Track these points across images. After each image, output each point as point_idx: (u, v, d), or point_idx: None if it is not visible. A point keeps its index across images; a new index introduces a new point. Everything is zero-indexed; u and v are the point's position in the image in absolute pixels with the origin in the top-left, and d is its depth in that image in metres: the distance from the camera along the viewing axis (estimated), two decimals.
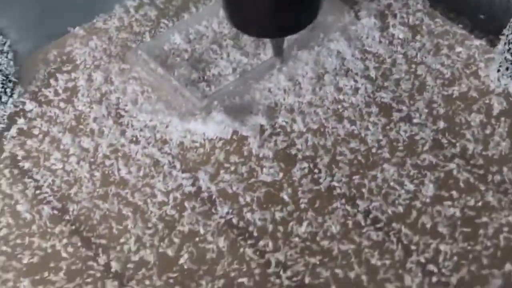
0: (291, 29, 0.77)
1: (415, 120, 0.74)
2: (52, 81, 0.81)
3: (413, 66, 0.79)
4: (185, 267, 0.65)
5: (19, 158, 0.74)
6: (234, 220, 0.68)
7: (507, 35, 0.74)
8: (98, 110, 0.78)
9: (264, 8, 0.74)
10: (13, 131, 0.77)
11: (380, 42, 0.81)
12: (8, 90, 0.78)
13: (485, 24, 0.85)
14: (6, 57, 0.78)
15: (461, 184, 0.69)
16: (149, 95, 0.79)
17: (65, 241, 0.68)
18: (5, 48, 0.78)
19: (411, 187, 0.69)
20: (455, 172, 0.70)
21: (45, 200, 0.71)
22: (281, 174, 0.71)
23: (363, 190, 0.69)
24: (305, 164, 0.72)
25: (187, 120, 0.75)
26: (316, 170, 0.71)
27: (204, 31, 0.86)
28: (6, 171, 0.73)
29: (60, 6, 0.98)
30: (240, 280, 0.64)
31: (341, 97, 0.77)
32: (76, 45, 0.85)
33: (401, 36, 0.82)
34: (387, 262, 0.64)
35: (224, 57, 0.83)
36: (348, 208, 0.68)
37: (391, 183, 0.70)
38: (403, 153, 0.72)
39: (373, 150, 0.72)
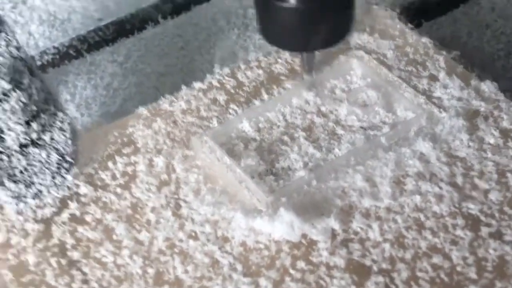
0: (323, 44, 0.77)
1: (506, 238, 0.66)
2: (110, 164, 0.76)
3: (505, 176, 0.72)
4: None
5: (68, 246, 0.69)
6: None
7: None
8: (157, 200, 0.72)
9: (296, 22, 0.73)
10: (65, 216, 0.71)
11: (468, 146, 0.74)
12: (63, 171, 0.73)
13: None
14: (64, 135, 0.73)
15: None
16: (212, 186, 0.73)
17: None
18: (65, 125, 0.73)
19: None
20: None
21: None
22: (353, 287, 0.64)
23: None
24: (381, 279, 0.64)
25: (252, 217, 0.69)
26: (393, 286, 0.64)
27: (275, 120, 0.80)
28: (53, 260, 0.68)
29: (125, 86, 0.95)
30: None
31: (423, 204, 0.70)
32: (138, 127, 0.80)
33: (491, 141, 0.75)
34: None
35: (295, 149, 0.77)
36: None
37: None
38: (492, 275, 0.64)
39: (458, 269, 0.64)
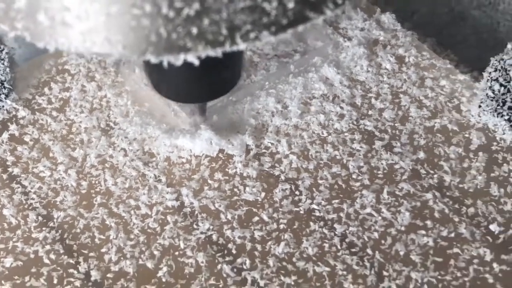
0: (215, 95, 0.73)
1: (395, 149, 0.76)
2: (46, 90, 0.83)
3: (398, 96, 0.81)
4: (163, 280, 0.67)
5: (8, 163, 0.76)
6: (214, 237, 0.70)
7: (490, 73, 0.77)
8: (89, 121, 0.80)
9: (181, 76, 0.69)
10: (5, 136, 0.78)
11: (367, 71, 0.84)
12: (2, 96, 0.80)
13: (471, 60, 0.87)
14: (3, 63, 0.80)
15: (436, 215, 0.71)
16: (140, 108, 0.81)
17: (48, 247, 0.70)
18: (3, 55, 0.80)
19: (387, 214, 0.71)
20: (431, 202, 0.72)
21: (31, 206, 0.73)
22: (263, 194, 0.73)
23: (341, 214, 0.71)
24: (287, 186, 0.74)
25: (176, 135, 0.77)
26: (297, 192, 0.73)
27: None
28: None
29: None
30: None
31: (326, 122, 0.79)
32: (72, 56, 0.87)
33: (387, 66, 0.84)
34: (360, 287, 0.66)
35: None
36: (326, 231, 0.70)
37: (369, 210, 0.72)
38: (382, 181, 0.74)
39: (354, 176, 0.74)
